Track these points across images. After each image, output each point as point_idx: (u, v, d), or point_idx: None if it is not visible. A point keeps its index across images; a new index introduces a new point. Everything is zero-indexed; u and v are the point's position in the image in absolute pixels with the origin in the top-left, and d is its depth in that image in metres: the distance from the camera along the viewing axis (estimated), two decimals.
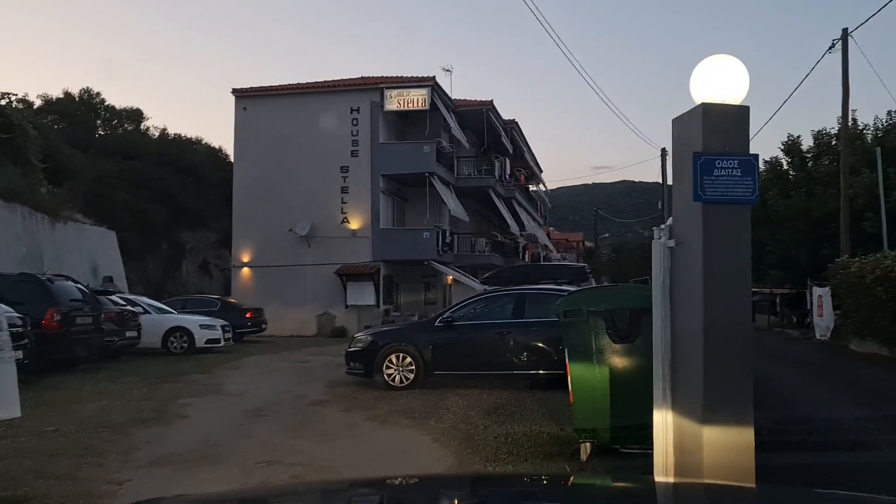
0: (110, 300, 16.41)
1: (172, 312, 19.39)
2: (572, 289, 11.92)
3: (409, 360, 10.65)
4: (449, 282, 32.11)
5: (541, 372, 10.30)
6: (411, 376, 10.63)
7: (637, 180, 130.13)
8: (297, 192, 28.47)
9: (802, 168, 38.18)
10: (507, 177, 33.12)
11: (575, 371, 5.70)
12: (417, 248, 27.84)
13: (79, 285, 14.23)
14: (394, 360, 10.69)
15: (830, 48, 23.95)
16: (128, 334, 15.99)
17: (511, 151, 34.20)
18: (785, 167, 38.97)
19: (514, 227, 32.95)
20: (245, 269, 29.63)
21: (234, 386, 11.48)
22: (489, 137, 31.99)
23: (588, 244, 75.02)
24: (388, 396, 9.94)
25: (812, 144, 38.21)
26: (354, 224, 28.48)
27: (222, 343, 18.47)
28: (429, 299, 31.52)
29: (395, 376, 10.67)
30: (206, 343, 18.07)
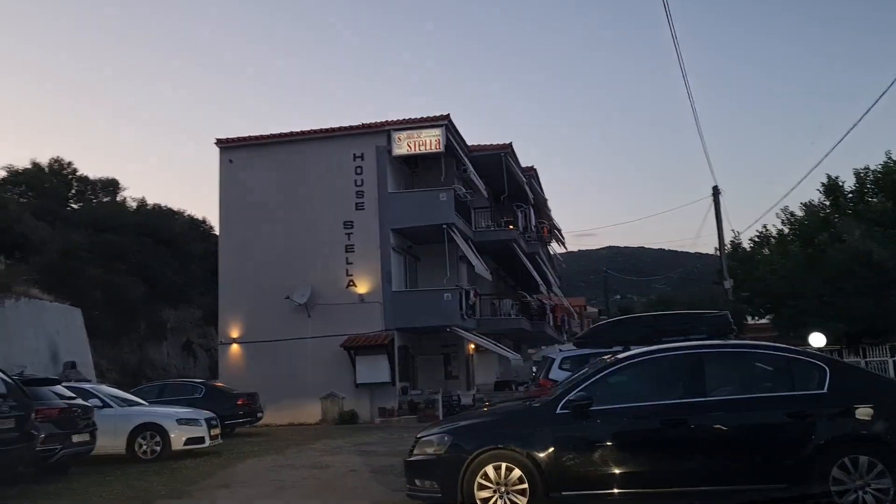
0: (54, 392, 12.04)
1: (142, 404, 14.97)
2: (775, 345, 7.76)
3: (517, 473, 6.40)
4: (471, 352, 27.81)
5: (762, 486, 6.08)
6: (523, 501, 6.36)
7: (622, 245, 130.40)
8: (293, 254, 24.43)
9: (845, 210, 34.87)
10: (533, 228, 29.26)
11: None
12: (437, 312, 23.64)
13: None
14: (492, 476, 6.44)
15: None
16: (76, 439, 11.55)
17: (532, 201, 30.43)
18: (827, 210, 35.56)
19: (543, 287, 28.88)
20: (234, 346, 25.20)
21: None
22: (509, 185, 28.25)
23: (591, 309, 70.90)
24: None
25: (855, 184, 35.02)
26: (362, 288, 24.30)
27: (207, 443, 13.99)
28: (450, 373, 27.15)
29: (495, 502, 6.39)
30: (185, 444, 13.62)
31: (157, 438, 13.47)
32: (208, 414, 14.55)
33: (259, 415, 20.21)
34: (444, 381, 26.51)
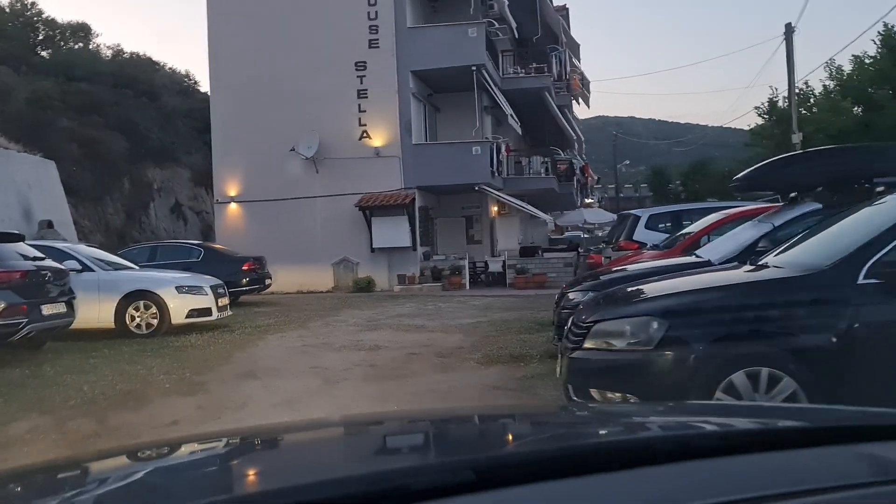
0: (16, 252, 9.24)
1: (132, 268, 12.25)
2: None
3: (788, 385, 3.72)
4: (494, 214, 25.13)
5: None
6: None
7: (611, 115, 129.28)
8: (297, 101, 21.00)
9: None
10: (567, 76, 25.76)
11: None
12: (465, 168, 20.66)
13: None
14: (742, 389, 3.76)
15: None
16: (47, 310, 8.88)
17: (565, 46, 26.75)
18: (879, 64, 32.02)
19: (575, 145, 25.79)
20: (232, 206, 22.29)
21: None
22: (542, 26, 24.50)
23: (594, 176, 67.98)
24: None
25: None
26: (378, 140, 21.16)
27: (214, 315, 11.39)
28: (472, 237, 24.55)
29: None
30: (188, 316, 11.02)
31: (154, 310, 10.85)
32: (214, 280, 11.87)
33: (267, 281, 17.64)
34: (465, 245, 23.95)
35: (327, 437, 1.67)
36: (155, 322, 10.81)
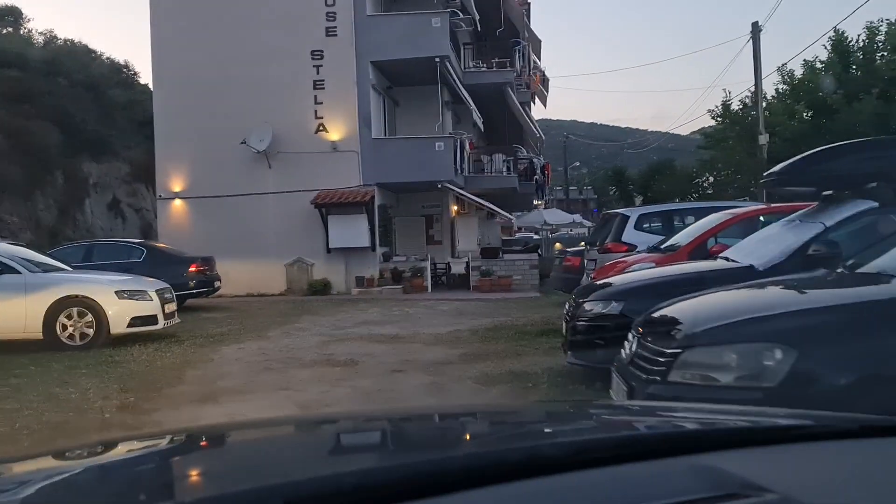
0: None
1: (64, 270, 10.82)
2: None
3: None
4: (455, 214, 24.15)
5: None
6: None
7: (554, 118, 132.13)
8: (249, 91, 19.65)
9: (849, 67, 31.77)
10: (531, 73, 24.92)
11: None
12: (427, 165, 19.58)
13: None
14: None
15: None
16: None
17: (527, 41, 25.92)
18: (827, 68, 32.19)
19: (539, 144, 25.00)
20: (176, 203, 20.75)
21: None
22: (504, 20, 23.61)
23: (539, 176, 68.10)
24: None
25: (864, 39, 31.78)
26: (335, 133, 19.94)
27: (161, 323, 10.07)
28: (432, 237, 23.50)
29: None
30: (130, 325, 9.69)
31: (89, 317, 9.49)
32: (160, 283, 10.54)
33: (217, 284, 16.27)
34: (424, 246, 22.91)
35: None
36: (91, 332, 9.45)
